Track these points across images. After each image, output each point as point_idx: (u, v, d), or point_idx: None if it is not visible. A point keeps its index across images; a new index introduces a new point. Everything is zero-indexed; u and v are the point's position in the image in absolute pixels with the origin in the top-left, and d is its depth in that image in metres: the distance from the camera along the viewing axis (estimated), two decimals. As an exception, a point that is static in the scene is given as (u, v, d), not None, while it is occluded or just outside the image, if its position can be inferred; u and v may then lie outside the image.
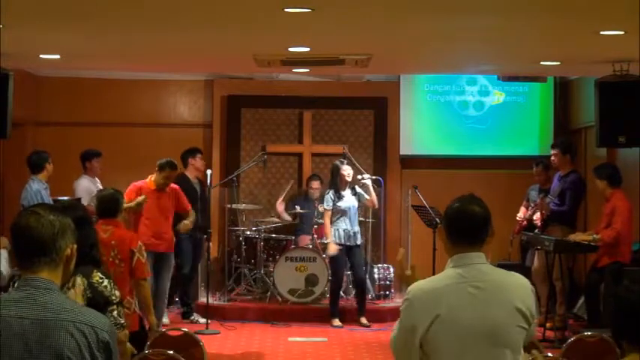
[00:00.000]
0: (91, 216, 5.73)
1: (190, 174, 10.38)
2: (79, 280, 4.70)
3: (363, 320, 9.98)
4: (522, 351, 3.40)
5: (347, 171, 9.94)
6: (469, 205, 3.41)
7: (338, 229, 9.93)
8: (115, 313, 4.89)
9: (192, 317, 10.17)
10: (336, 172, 10.00)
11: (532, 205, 9.93)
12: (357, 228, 10.00)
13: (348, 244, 9.92)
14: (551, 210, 9.41)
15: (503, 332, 3.30)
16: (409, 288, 3.42)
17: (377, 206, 10.36)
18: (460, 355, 3.27)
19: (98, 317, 2.70)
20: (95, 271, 4.83)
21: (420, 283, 3.42)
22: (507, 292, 3.36)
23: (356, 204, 9.98)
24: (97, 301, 4.66)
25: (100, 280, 4.80)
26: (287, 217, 11.25)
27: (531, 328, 3.41)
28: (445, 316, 3.26)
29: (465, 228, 3.38)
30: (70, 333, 2.61)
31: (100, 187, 10.07)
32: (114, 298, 4.89)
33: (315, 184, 11.34)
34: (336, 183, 9.95)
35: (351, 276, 10.32)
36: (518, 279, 3.46)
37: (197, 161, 10.49)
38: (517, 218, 10.03)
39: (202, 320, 9.93)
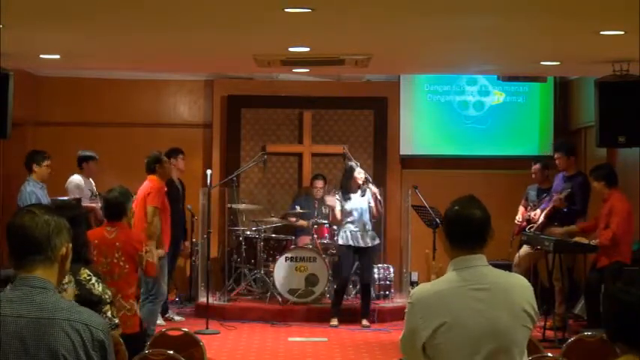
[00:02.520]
0: (86, 214, 5.74)
1: (173, 174, 9.98)
2: (67, 277, 4.71)
3: (365, 322, 9.95)
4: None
5: (360, 174, 9.89)
6: (468, 208, 3.39)
7: (346, 231, 9.90)
8: (109, 313, 4.90)
9: (167, 315, 10.11)
10: (349, 174, 9.93)
11: (531, 204, 9.91)
12: (367, 230, 9.90)
13: (356, 245, 9.89)
14: (567, 207, 9.40)
15: (509, 334, 3.30)
16: (412, 291, 3.43)
17: (380, 215, 10.22)
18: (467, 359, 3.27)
19: (93, 316, 2.70)
20: (83, 268, 4.85)
21: (423, 286, 3.43)
22: (511, 293, 3.36)
23: (365, 205, 9.86)
24: (85, 297, 4.67)
25: (88, 278, 4.83)
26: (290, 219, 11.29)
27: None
28: (451, 323, 3.25)
29: (464, 232, 3.36)
30: (66, 332, 2.62)
31: (94, 188, 10.06)
32: (107, 296, 4.90)
33: (319, 183, 11.32)
34: (348, 184, 9.93)
35: (359, 277, 10.27)
36: (519, 279, 3.47)
37: (179, 162, 10.32)
38: (516, 222, 9.99)
39: (178, 318, 10.09)
